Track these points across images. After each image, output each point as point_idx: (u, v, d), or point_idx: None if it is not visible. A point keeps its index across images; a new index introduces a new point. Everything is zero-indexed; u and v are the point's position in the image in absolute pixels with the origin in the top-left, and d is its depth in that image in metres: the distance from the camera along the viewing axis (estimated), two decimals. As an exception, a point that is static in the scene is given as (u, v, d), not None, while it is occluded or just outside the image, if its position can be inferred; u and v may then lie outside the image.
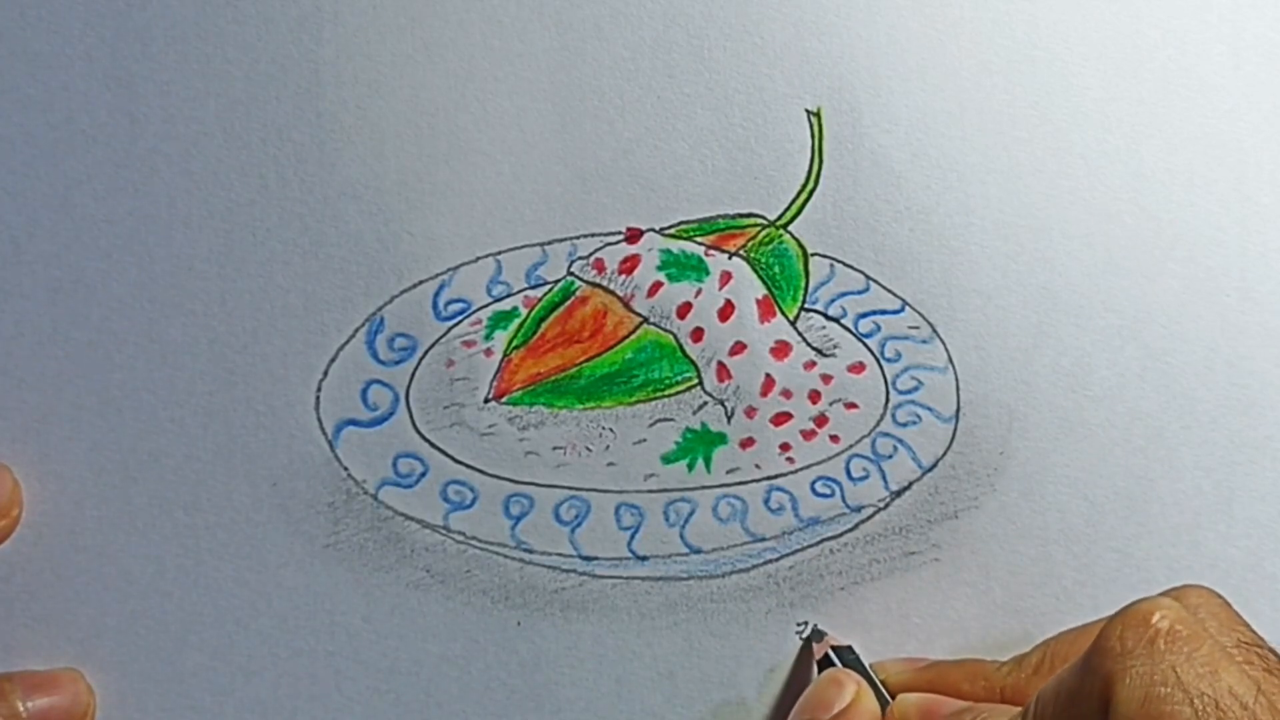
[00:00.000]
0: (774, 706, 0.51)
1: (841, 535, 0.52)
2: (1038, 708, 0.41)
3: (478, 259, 0.51)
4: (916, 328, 0.53)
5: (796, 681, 0.51)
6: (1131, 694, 0.38)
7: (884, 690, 0.50)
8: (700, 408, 0.52)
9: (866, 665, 0.51)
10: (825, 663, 0.51)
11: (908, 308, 0.52)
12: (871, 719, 0.48)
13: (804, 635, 0.51)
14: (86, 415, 0.49)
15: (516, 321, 0.52)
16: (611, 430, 0.51)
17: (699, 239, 0.52)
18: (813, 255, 0.52)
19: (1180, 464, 0.53)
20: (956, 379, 0.53)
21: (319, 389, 0.50)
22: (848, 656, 0.51)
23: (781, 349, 0.52)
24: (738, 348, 0.52)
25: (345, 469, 0.50)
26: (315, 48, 0.50)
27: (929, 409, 0.52)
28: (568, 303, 0.52)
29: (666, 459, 0.51)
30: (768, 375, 0.52)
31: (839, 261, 0.52)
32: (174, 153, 0.50)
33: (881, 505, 0.52)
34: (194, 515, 0.50)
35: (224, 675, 0.50)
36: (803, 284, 0.52)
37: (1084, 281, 0.53)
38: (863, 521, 0.52)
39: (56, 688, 0.48)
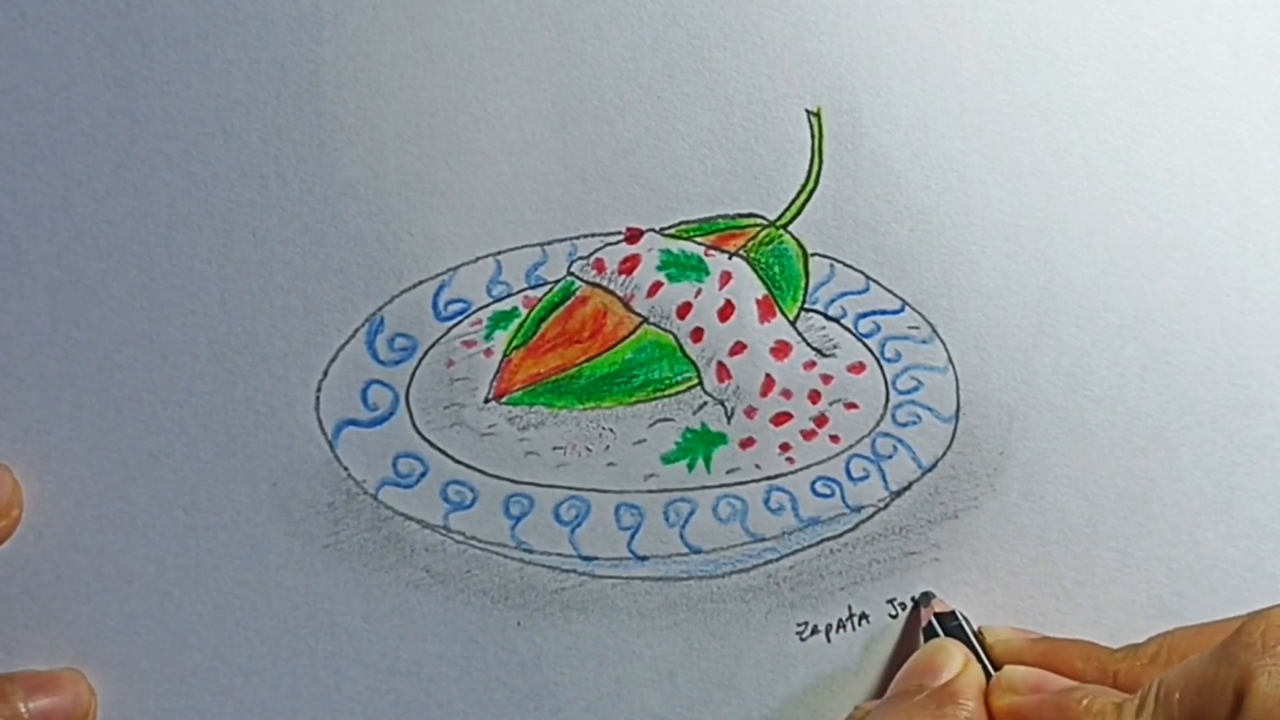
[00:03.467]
0: (880, 675, 0.51)
1: (841, 535, 0.52)
2: (1162, 691, 0.42)
3: (478, 259, 0.51)
4: (916, 328, 0.53)
5: (902, 647, 0.51)
6: (1270, 690, 0.40)
7: (987, 659, 0.49)
8: (700, 408, 0.52)
9: (972, 632, 0.50)
10: (931, 629, 0.51)
11: (908, 308, 0.52)
12: (978, 689, 0.48)
13: (913, 598, 0.51)
14: (86, 415, 0.49)
15: (516, 321, 0.52)
16: (611, 430, 0.51)
17: (699, 239, 0.52)
18: (813, 255, 0.52)
19: (1180, 464, 0.53)
20: (956, 379, 0.53)
21: (319, 389, 0.50)
22: (950, 623, 0.50)
23: (781, 349, 0.52)
24: (738, 348, 0.52)
25: (345, 469, 0.50)
26: (315, 48, 0.50)
27: (929, 409, 0.52)
28: (568, 303, 0.52)
29: (666, 459, 0.51)
30: (768, 375, 0.52)
31: (839, 261, 0.52)
32: (174, 153, 0.50)
33: (881, 505, 0.52)
34: (194, 515, 0.50)
35: (224, 675, 0.50)
36: (803, 284, 0.52)
37: (1084, 281, 0.53)
38: (863, 521, 0.52)
39: (58, 688, 0.48)
